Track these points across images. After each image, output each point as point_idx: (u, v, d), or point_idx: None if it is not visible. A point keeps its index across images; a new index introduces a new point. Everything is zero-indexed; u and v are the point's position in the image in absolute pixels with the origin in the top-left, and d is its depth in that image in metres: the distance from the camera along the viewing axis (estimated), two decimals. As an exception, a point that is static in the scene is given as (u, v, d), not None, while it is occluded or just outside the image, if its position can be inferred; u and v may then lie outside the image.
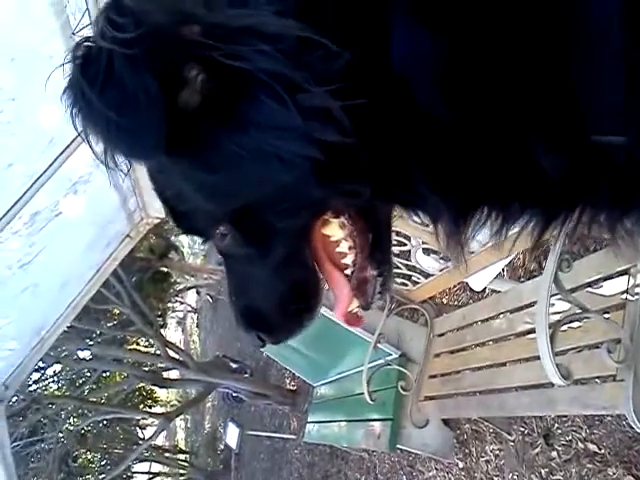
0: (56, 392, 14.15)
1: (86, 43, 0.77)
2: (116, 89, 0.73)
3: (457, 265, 1.04)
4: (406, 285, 3.29)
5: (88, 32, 2.80)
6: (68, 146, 3.40)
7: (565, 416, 3.43)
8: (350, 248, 1.07)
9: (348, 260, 1.09)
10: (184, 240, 20.02)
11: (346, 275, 1.11)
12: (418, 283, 3.16)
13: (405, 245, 2.65)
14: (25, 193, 3.26)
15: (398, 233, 2.56)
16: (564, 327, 2.18)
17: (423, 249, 2.73)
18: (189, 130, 0.80)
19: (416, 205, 0.94)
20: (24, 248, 3.87)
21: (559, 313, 2.06)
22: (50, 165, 3.32)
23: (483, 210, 0.88)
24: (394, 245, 2.68)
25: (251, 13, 0.72)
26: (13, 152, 2.94)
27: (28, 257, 3.97)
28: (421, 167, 0.82)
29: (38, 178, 3.28)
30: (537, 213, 0.86)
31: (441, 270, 2.80)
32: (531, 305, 2.58)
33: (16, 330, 4.63)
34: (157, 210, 5.33)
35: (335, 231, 1.05)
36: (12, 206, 3.24)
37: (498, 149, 0.76)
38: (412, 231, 2.47)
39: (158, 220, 5.64)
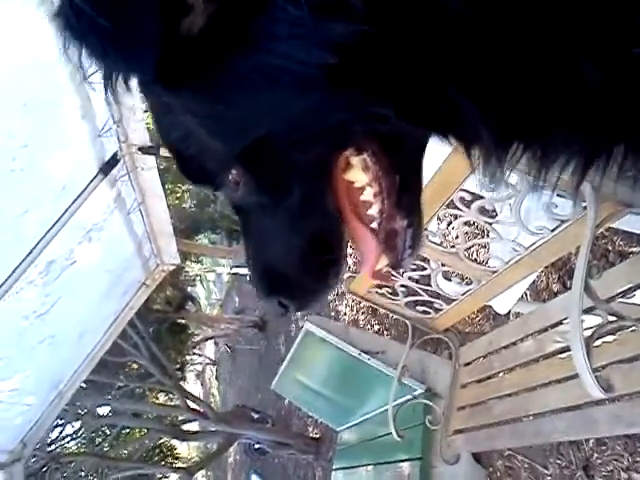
0: (75, 450, 13.94)
1: None
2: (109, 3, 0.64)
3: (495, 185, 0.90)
4: (428, 313, 3.21)
5: (98, 78, 2.83)
6: (81, 193, 3.42)
7: (604, 444, 3.28)
8: (375, 195, 0.94)
9: (374, 210, 0.96)
10: (200, 291, 20.04)
11: (372, 229, 0.98)
12: (440, 310, 3.09)
13: (424, 269, 2.59)
14: (40, 241, 3.26)
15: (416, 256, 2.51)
16: (598, 342, 2.09)
17: (443, 273, 2.66)
18: (193, 58, 0.72)
19: (447, 124, 0.80)
20: (40, 298, 3.86)
21: (591, 328, 1.98)
22: (64, 212, 3.32)
23: (523, 139, 0.78)
24: (412, 270, 2.62)
25: None
26: (27, 200, 2.94)
27: (44, 307, 3.95)
28: (454, 70, 0.70)
29: (52, 226, 3.29)
30: (579, 146, 0.76)
31: (464, 294, 2.73)
32: (559, 324, 2.50)
33: (34, 384, 4.58)
34: (172, 256, 5.33)
35: (358, 176, 0.93)
36: (27, 255, 3.24)
37: (540, 56, 0.66)
38: (431, 253, 2.41)
39: (174, 266, 5.65)
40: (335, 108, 0.77)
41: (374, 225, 0.98)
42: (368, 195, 0.95)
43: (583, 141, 0.75)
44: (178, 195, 15.14)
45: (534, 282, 3.58)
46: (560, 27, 0.65)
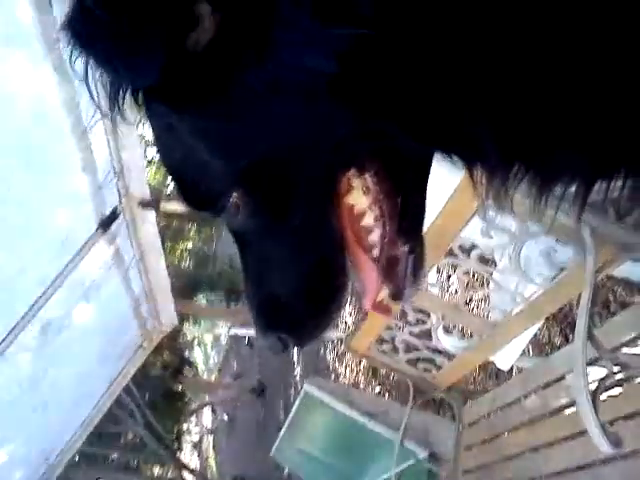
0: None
1: None
2: (121, 7, 0.63)
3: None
4: (429, 371, 3.14)
5: (100, 130, 2.85)
6: (81, 249, 3.41)
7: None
8: (376, 219, 0.91)
9: (375, 236, 0.93)
10: (198, 355, 19.76)
11: (373, 258, 0.95)
12: (442, 367, 3.02)
13: (424, 323, 2.55)
14: (36, 301, 3.23)
15: (416, 309, 2.47)
16: (604, 395, 2.03)
17: (444, 327, 2.61)
18: (199, 73, 0.71)
19: (451, 140, 0.77)
20: (34, 363, 3.78)
21: (596, 381, 1.92)
22: (62, 270, 3.30)
23: (524, 160, 0.77)
24: (412, 324, 2.57)
25: None
26: (24, 257, 2.93)
27: (39, 373, 3.87)
28: (463, 87, 0.69)
29: (50, 285, 3.26)
30: (579, 170, 0.74)
31: (465, 349, 2.67)
32: (563, 378, 2.44)
33: (24, 456, 4.40)
34: (170, 317, 5.27)
35: (359, 199, 0.90)
36: (23, 316, 3.19)
37: (545, 76, 0.65)
38: (431, 305, 2.37)
39: (171, 328, 5.57)
40: (338, 121, 0.76)
41: (375, 252, 0.95)
42: (369, 219, 0.92)
43: (583, 165, 0.73)
44: (177, 254, 15.15)
45: (536, 336, 3.53)
46: (561, 49, 0.64)
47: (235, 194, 0.88)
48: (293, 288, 0.97)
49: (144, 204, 3.82)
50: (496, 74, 0.68)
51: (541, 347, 3.60)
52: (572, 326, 3.09)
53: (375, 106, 0.74)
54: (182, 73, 0.70)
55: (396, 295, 0.98)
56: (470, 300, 3.86)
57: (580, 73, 0.65)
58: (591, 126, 0.68)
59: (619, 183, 0.74)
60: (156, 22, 0.65)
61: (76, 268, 3.36)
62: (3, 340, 3.13)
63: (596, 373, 2.03)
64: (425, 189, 0.96)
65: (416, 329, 2.70)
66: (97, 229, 3.53)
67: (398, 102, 0.73)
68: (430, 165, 0.94)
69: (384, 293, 0.99)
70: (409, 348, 3.02)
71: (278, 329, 1.01)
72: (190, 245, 16.99)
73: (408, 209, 0.93)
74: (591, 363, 1.92)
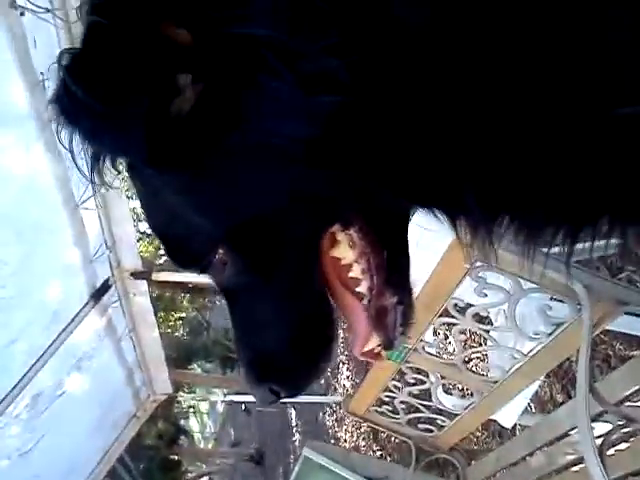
0: None
1: (71, 50, 0.69)
2: (101, 83, 0.66)
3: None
4: (431, 431, 3.07)
5: (91, 204, 2.89)
6: (72, 320, 3.38)
7: None
8: (364, 272, 0.92)
9: (363, 288, 0.94)
10: (194, 424, 19.29)
11: (362, 305, 0.95)
12: (443, 427, 2.96)
13: (424, 383, 2.51)
14: (27, 372, 3.17)
15: (414, 369, 2.44)
16: (611, 451, 2.00)
17: (443, 386, 2.58)
18: (181, 138, 0.72)
19: (432, 196, 0.79)
20: (24, 434, 3.67)
21: (601, 437, 1.89)
22: (54, 341, 3.26)
23: (508, 212, 0.77)
24: (412, 384, 2.54)
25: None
26: (15, 328, 2.90)
27: (29, 444, 3.75)
28: (442, 147, 0.70)
29: (41, 356, 3.21)
30: (563, 219, 0.75)
31: (466, 408, 2.63)
32: (568, 435, 2.39)
33: None
34: (164, 386, 5.18)
35: (345, 252, 0.92)
36: (13, 387, 3.13)
37: (522, 132, 0.67)
38: (429, 366, 2.35)
39: (166, 396, 5.47)
40: (319, 181, 0.78)
41: (364, 302, 0.95)
42: (356, 272, 0.93)
43: (567, 214, 0.74)
44: (170, 323, 15.00)
45: (537, 394, 3.48)
46: (539, 108, 0.66)
47: (221, 251, 0.89)
48: (281, 341, 0.98)
49: (136, 275, 3.82)
50: (475, 131, 0.69)
51: (543, 404, 3.54)
52: (573, 382, 3.05)
53: (355, 166, 0.75)
54: (165, 138, 0.71)
55: (387, 344, 0.98)
56: (469, 359, 3.82)
57: (559, 127, 0.67)
58: (572, 176, 0.69)
59: (608, 240, 0.75)
60: (136, 98, 0.67)
61: (68, 339, 3.32)
62: (-7, 412, 3.06)
63: (601, 428, 1.99)
64: (407, 242, 0.98)
65: (415, 389, 2.66)
66: (89, 300, 3.51)
67: (377, 161, 0.74)
68: (409, 218, 0.96)
69: (374, 342, 0.98)
70: (409, 409, 2.97)
71: (268, 381, 1.00)
72: (183, 315, 16.90)
73: (394, 262, 0.94)
74: (595, 418, 1.90)
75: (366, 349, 0.99)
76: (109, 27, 0.64)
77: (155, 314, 4.52)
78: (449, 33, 0.66)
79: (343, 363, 7.92)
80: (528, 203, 0.74)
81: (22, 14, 2.19)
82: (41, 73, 2.43)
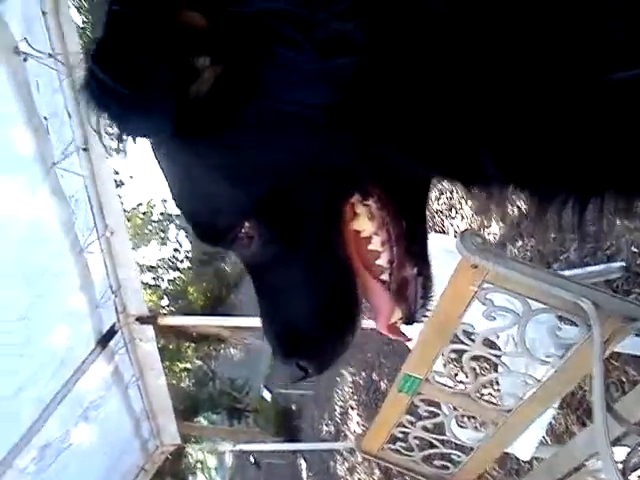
0: None
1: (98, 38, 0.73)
2: (126, 69, 0.70)
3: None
4: (447, 468, 2.99)
5: (96, 249, 2.90)
6: (79, 367, 3.36)
7: None
8: (383, 243, 0.94)
9: (383, 260, 0.96)
10: (202, 480, 18.83)
11: (382, 281, 0.97)
12: (460, 462, 2.88)
13: (437, 416, 2.47)
14: (35, 422, 3.13)
15: (426, 402, 2.40)
16: (633, 476, 1.95)
17: (457, 419, 2.53)
18: (204, 115, 0.76)
19: (450, 164, 0.81)
20: (31, 489, 3.60)
21: (622, 462, 1.85)
22: (61, 388, 3.23)
23: (520, 182, 0.81)
24: (425, 418, 2.50)
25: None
26: (22, 376, 2.87)
27: (35, 500, 3.67)
28: (462, 113, 0.73)
29: (49, 404, 3.17)
30: (571, 189, 0.78)
31: (481, 440, 2.57)
32: (585, 466, 2.33)
33: None
34: (172, 436, 5.08)
35: (364, 224, 0.93)
36: (20, 439, 3.08)
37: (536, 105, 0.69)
38: (441, 396, 2.32)
39: (174, 447, 5.36)
40: (339, 147, 0.80)
41: (384, 277, 0.96)
42: (376, 244, 0.94)
43: (573, 181, 0.77)
44: (176, 375, 14.84)
45: (552, 426, 3.41)
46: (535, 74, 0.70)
47: (247, 225, 0.91)
48: (307, 315, 0.99)
49: (142, 320, 3.82)
50: (486, 95, 0.72)
51: (559, 437, 3.47)
52: (588, 412, 3.00)
53: (374, 130, 0.77)
54: (188, 116, 0.75)
55: (408, 317, 1.01)
56: (482, 388, 3.77)
57: (559, 93, 0.70)
58: (574, 142, 0.72)
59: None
60: (160, 82, 0.71)
61: (75, 387, 3.29)
62: (-1, 465, 3.00)
63: (621, 453, 1.95)
64: (425, 212, 1.00)
65: (429, 423, 2.61)
66: (96, 347, 3.50)
67: (397, 126, 0.77)
68: (428, 188, 0.99)
69: (396, 316, 1.00)
70: (424, 445, 2.90)
71: (296, 356, 1.01)
72: (189, 365, 16.76)
73: (413, 232, 0.96)
74: (614, 443, 1.86)
75: (390, 323, 1.01)
76: (129, 15, 0.68)
77: (162, 367, 4.48)
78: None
79: (352, 408, 7.80)
80: (536, 170, 0.76)
81: (25, 60, 2.26)
82: (44, 117, 2.49)
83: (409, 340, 1.06)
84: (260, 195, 0.86)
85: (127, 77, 0.69)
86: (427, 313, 1.07)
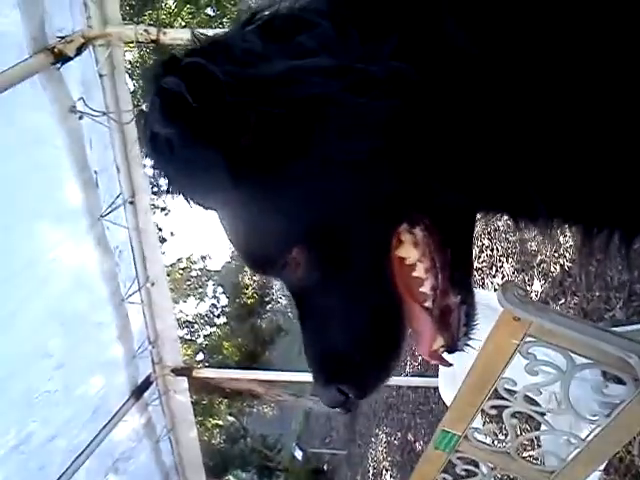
0: None
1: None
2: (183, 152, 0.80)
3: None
4: (487, 535, 2.85)
5: (137, 299, 2.95)
6: (112, 418, 3.35)
7: None
8: (427, 270, 0.94)
9: (426, 288, 0.96)
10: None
11: (426, 308, 0.97)
12: (500, 529, 2.75)
13: (475, 475, 2.37)
14: (64, 472, 3.10)
15: (463, 459, 2.31)
16: None
17: (495, 479, 2.43)
18: (256, 162, 0.82)
19: (499, 198, 0.84)
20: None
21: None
22: (93, 439, 3.21)
23: (565, 217, 0.83)
24: (461, 477, 2.40)
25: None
26: (56, 424, 2.88)
27: None
28: (509, 142, 0.75)
29: (80, 454, 3.15)
30: (619, 218, 0.80)
31: (522, 503, 2.45)
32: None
33: None
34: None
35: (409, 252, 0.94)
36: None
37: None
38: (479, 454, 2.23)
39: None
40: (387, 182, 0.83)
41: (427, 304, 0.96)
42: (420, 271, 0.94)
43: (619, 215, 0.79)
44: (208, 429, 14.66)
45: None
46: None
47: (296, 251, 0.92)
48: (351, 339, 0.98)
49: (177, 372, 3.81)
50: (535, 134, 0.73)
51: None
52: (637, 478, 2.85)
53: (422, 165, 0.80)
54: (242, 164, 0.82)
55: (451, 345, 1.01)
56: (523, 447, 3.62)
57: (606, 133, 0.71)
58: (627, 180, 0.74)
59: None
60: (212, 164, 0.82)
61: (107, 437, 3.27)
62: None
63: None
64: (471, 241, 1.01)
65: (466, 485, 2.51)
66: (130, 397, 3.49)
67: (445, 161, 0.80)
68: (475, 217, 0.99)
69: (439, 343, 1.00)
70: (461, 509, 2.78)
71: (337, 381, 1.00)
72: (220, 422, 16.59)
73: (458, 261, 0.96)
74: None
75: (432, 350, 1.01)
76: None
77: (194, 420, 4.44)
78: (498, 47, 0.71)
79: (386, 469, 7.56)
80: (582, 202, 0.76)
81: (81, 118, 2.37)
82: (94, 172, 2.58)
83: (450, 365, 1.04)
84: (310, 222, 0.88)
85: (185, 147, 0.80)
86: (469, 342, 1.05)
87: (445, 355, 1.04)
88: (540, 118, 0.73)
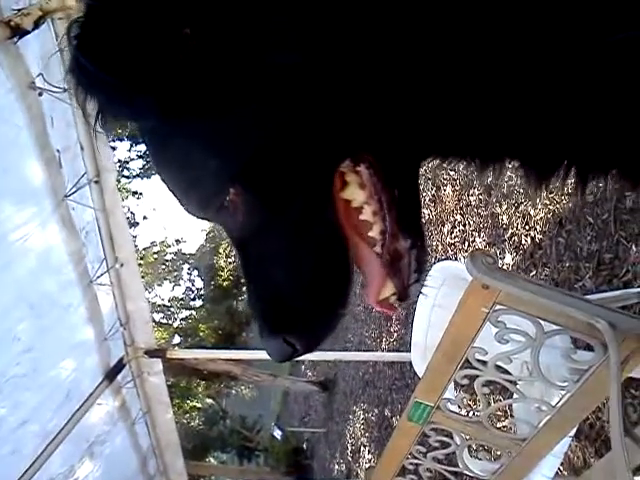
0: None
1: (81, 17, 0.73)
2: (109, 57, 0.70)
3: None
4: (462, 505, 2.90)
5: (106, 280, 2.89)
6: (85, 401, 3.31)
7: None
8: (375, 213, 0.89)
9: (375, 232, 0.91)
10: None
11: (375, 253, 0.92)
12: (475, 497, 2.79)
13: (449, 446, 2.40)
14: (38, 457, 3.07)
15: (436, 430, 2.33)
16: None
17: (470, 449, 2.46)
18: (188, 86, 0.75)
19: (442, 132, 0.80)
20: (35, 527, 3.52)
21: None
22: (66, 423, 3.18)
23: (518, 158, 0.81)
24: (436, 448, 2.43)
25: None
26: (27, 409, 2.83)
27: (38, 536, 3.58)
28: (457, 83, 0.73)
29: (53, 439, 3.12)
30: (574, 158, 0.77)
31: (495, 472, 2.48)
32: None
33: None
34: (179, 474, 4.98)
35: (355, 194, 0.89)
36: (24, 472, 3.02)
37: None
38: (452, 424, 2.25)
39: (181, 486, 5.25)
40: (321, 115, 0.80)
41: (376, 248, 0.92)
42: (367, 214, 0.90)
43: (573, 150, 0.77)
44: (186, 412, 14.66)
45: (570, 459, 3.30)
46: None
47: (233, 191, 0.87)
48: (297, 287, 0.94)
49: (150, 353, 3.78)
50: (491, 63, 0.71)
51: (577, 470, 3.36)
52: (606, 444, 2.90)
53: (360, 94, 0.77)
54: (174, 85, 0.75)
55: (401, 293, 0.95)
56: (496, 418, 3.68)
57: (559, 58, 0.69)
58: (574, 107, 0.72)
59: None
60: (147, 66, 0.72)
61: (80, 421, 3.23)
62: (3, 500, 2.94)
63: (642, 484, 1.87)
64: (417, 183, 0.96)
65: (440, 454, 2.53)
66: (102, 380, 3.45)
67: (388, 93, 0.77)
68: (420, 158, 0.94)
69: (389, 290, 0.95)
70: (436, 478, 2.81)
71: (283, 331, 0.96)
72: (199, 405, 16.61)
73: (405, 201, 0.91)
74: (635, 472, 1.79)
75: (381, 298, 0.96)
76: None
77: (170, 402, 4.42)
78: None
79: (364, 445, 7.64)
80: (535, 139, 0.75)
81: (40, 94, 2.29)
82: (57, 150, 2.51)
83: (396, 310, 1.00)
84: (244, 159, 0.84)
85: (110, 62, 0.70)
86: (422, 290, 1.03)
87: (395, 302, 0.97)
88: (490, 45, 0.70)
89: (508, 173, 4.29)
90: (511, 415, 3.63)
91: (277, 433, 13.25)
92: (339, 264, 0.94)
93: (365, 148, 0.87)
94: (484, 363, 2.06)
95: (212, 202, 0.91)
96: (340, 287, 0.96)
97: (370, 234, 0.92)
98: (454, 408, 2.29)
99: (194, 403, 15.56)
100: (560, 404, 2.01)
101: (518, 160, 0.80)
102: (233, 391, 17.21)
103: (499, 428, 2.46)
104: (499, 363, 2.04)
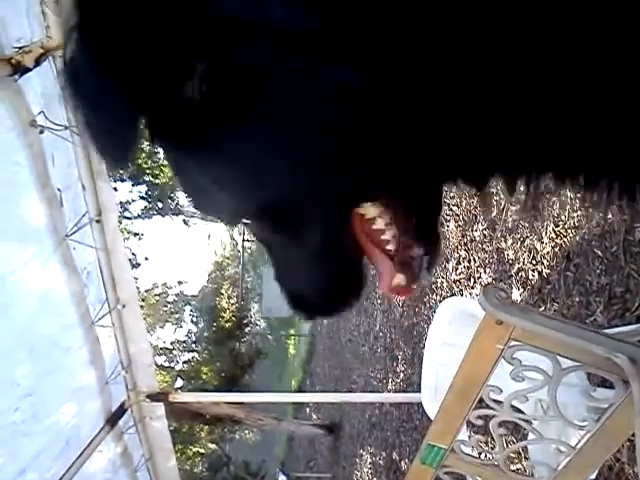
0: None
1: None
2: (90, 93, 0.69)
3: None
4: None
5: (107, 322, 2.84)
6: (85, 448, 3.21)
7: None
8: (387, 224, 0.92)
9: (387, 235, 0.94)
10: None
11: (387, 250, 0.96)
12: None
13: (463, 489, 2.31)
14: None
15: (451, 474, 2.24)
16: None
17: (484, 492, 2.36)
18: (196, 122, 0.71)
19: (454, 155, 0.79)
20: None
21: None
22: (65, 472, 3.07)
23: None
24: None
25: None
26: (26, 457, 2.73)
27: None
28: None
29: (52, 492, 3.01)
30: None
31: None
32: None
33: None
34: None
35: (368, 210, 0.90)
36: (21, 527, 2.90)
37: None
38: (468, 469, 2.17)
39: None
40: (339, 173, 0.77)
41: (389, 247, 0.96)
42: (380, 225, 0.92)
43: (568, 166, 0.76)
44: (189, 458, 14.36)
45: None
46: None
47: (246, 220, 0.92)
48: (313, 290, 1.04)
49: (152, 397, 3.69)
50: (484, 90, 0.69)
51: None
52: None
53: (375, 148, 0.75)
54: (181, 120, 0.72)
55: (412, 280, 0.99)
56: (512, 460, 3.56)
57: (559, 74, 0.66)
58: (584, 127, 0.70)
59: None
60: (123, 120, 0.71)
61: (81, 469, 3.12)
62: None
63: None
64: (439, 206, 0.97)
65: (454, 498, 2.44)
66: (104, 425, 3.36)
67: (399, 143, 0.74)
68: (440, 186, 0.94)
69: (400, 278, 0.99)
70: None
71: (304, 311, 1.11)
72: (202, 450, 16.33)
73: (423, 222, 0.94)
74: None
75: (394, 284, 1.00)
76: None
77: (172, 447, 4.31)
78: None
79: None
80: (527, 152, 0.74)
81: (41, 132, 2.28)
82: (58, 189, 2.49)
83: (412, 293, 1.04)
84: (254, 205, 0.83)
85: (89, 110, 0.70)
86: (432, 277, 1.06)
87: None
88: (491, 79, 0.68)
89: (512, 207, 4.27)
90: (525, 457, 3.51)
91: (282, 479, 12.96)
92: (351, 279, 1.03)
93: (379, 193, 0.87)
94: (499, 402, 1.99)
95: (231, 223, 1.00)
96: (353, 292, 1.05)
97: (383, 237, 0.95)
98: (468, 450, 2.21)
99: (197, 449, 15.27)
100: (581, 444, 1.93)
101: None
102: (236, 436, 16.92)
103: (513, 471, 2.37)
104: (514, 402, 1.97)
